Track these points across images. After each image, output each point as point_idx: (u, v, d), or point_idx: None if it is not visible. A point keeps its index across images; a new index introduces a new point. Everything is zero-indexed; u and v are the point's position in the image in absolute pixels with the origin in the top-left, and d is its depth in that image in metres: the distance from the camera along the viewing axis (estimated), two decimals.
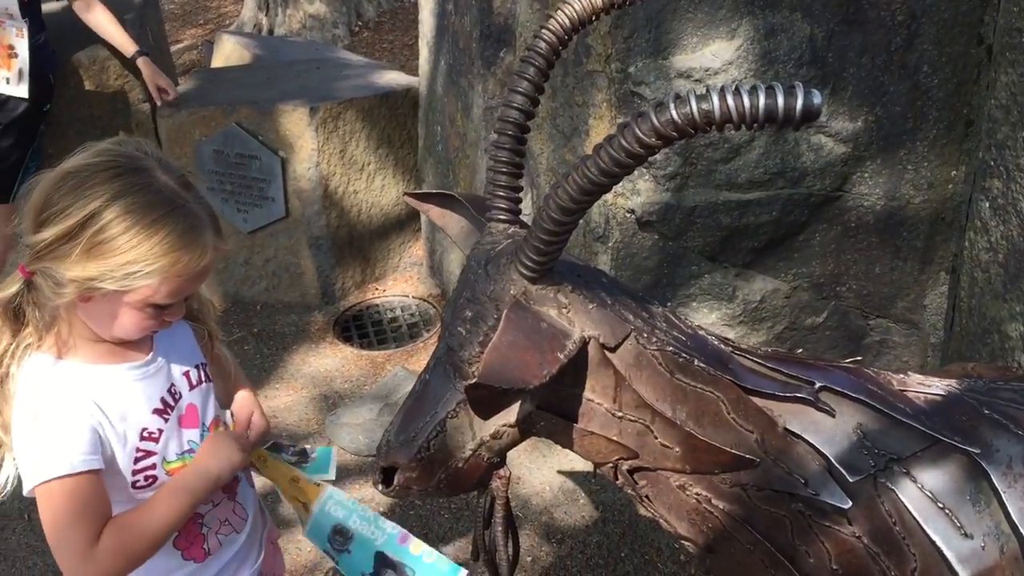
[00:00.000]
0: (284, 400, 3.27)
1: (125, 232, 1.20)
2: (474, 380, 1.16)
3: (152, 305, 1.27)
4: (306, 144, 3.60)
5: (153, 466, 1.36)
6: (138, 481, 1.35)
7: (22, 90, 3.31)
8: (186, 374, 1.44)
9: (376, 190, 3.85)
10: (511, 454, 1.42)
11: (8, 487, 1.36)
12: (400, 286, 3.97)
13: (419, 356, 3.48)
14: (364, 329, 3.72)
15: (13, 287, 1.28)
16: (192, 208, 1.27)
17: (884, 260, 2.47)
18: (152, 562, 1.35)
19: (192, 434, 1.42)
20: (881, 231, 2.43)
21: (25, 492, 1.29)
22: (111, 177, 1.22)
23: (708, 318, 2.56)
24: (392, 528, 1.50)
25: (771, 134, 2.30)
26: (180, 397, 1.41)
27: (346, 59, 4.92)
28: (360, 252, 3.90)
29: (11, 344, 1.29)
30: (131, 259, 1.21)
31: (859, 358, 1.47)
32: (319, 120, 3.58)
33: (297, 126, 3.58)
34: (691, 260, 2.50)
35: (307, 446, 1.65)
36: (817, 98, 0.96)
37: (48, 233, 1.21)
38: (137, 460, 1.34)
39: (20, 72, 3.29)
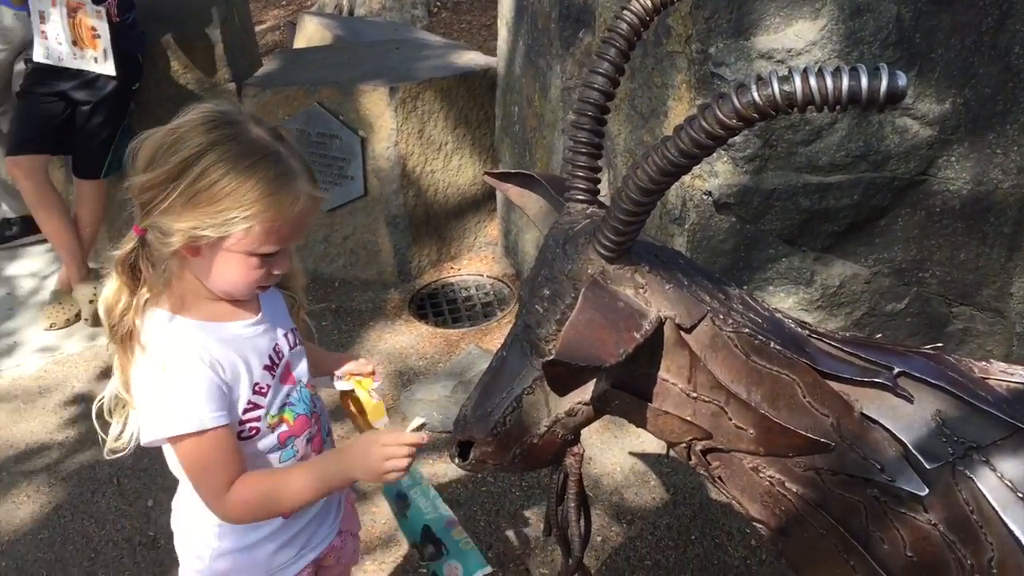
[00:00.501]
0: None
1: (220, 179, 1.28)
2: (551, 357, 1.18)
3: (256, 255, 1.34)
4: (385, 124, 3.66)
5: (258, 418, 1.44)
6: (243, 432, 1.43)
7: (109, 68, 3.44)
8: (285, 335, 1.53)
9: (453, 170, 3.89)
10: (582, 435, 1.44)
11: (131, 443, 1.45)
12: (475, 265, 4.01)
13: (493, 335, 3.52)
14: (439, 307, 3.77)
15: (129, 245, 1.37)
16: (284, 156, 1.34)
17: (970, 246, 2.41)
18: None
19: (290, 390, 1.50)
20: (967, 216, 2.37)
21: (144, 442, 1.38)
22: (207, 130, 1.31)
23: (785, 302, 2.54)
24: (445, 510, 1.66)
25: (854, 116, 2.26)
26: (282, 356, 1.50)
27: (425, 39, 4.96)
28: (436, 231, 3.95)
29: (130, 301, 1.37)
30: (227, 205, 1.28)
31: (940, 344, 1.44)
32: (398, 100, 3.62)
33: (377, 106, 3.64)
34: (769, 243, 2.47)
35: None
36: (902, 80, 0.95)
37: (149, 180, 1.30)
38: (246, 412, 1.42)
39: (105, 51, 3.41)
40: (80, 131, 3.61)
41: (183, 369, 1.34)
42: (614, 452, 2.83)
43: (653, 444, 2.80)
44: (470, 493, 2.72)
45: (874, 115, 2.24)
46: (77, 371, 3.45)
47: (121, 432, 1.45)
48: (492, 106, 3.90)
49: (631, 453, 2.82)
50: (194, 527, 1.53)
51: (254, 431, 1.44)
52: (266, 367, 1.45)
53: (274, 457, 1.48)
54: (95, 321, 3.67)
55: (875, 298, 2.53)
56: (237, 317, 1.44)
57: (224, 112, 1.36)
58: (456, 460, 1.43)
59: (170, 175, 1.28)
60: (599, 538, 2.54)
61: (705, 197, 2.42)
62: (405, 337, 3.57)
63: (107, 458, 1.48)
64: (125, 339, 1.37)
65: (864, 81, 0.95)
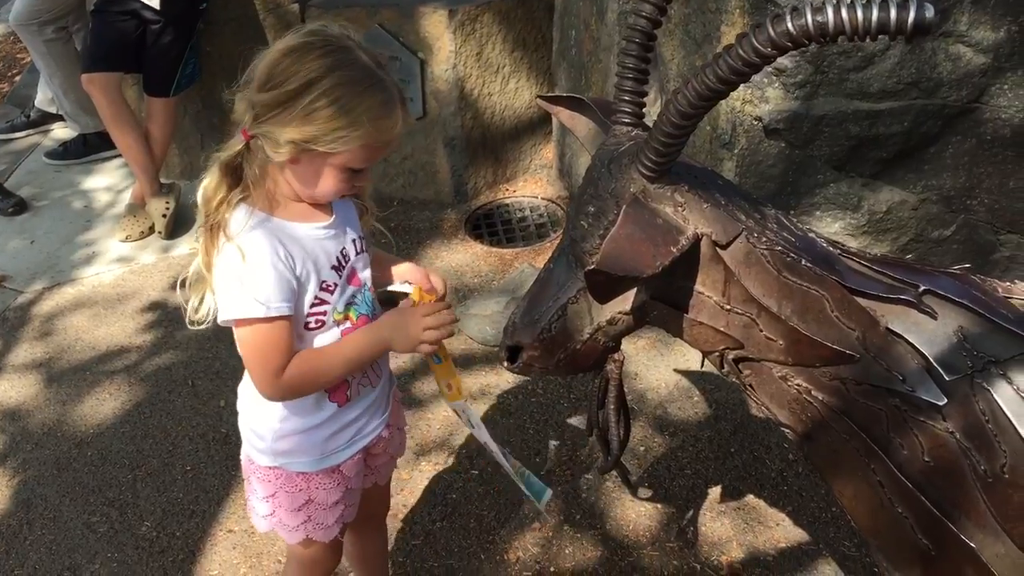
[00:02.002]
0: None
1: (337, 100, 1.41)
2: (593, 266, 1.28)
3: (348, 169, 1.48)
4: (444, 46, 3.72)
5: (324, 312, 1.58)
6: (310, 323, 1.58)
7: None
8: (353, 241, 1.65)
9: (510, 93, 3.95)
10: (630, 352, 1.55)
11: (209, 319, 1.60)
12: (530, 187, 4.09)
13: (546, 254, 3.60)
14: (494, 227, 3.87)
15: (236, 147, 1.50)
16: (388, 83, 1.47)
17: (1019, 174, 2.43)
18: (303, 400, 1.62)
19: (355, 290, 1.64)
20: (1018, 144, 2.39)
21: (220, 320, 1.53)
22: (325, 53, 1.43)
23: (832, 227, 2.59)
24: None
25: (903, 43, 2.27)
26: (349, 259, 1.63)
27: None
28: (493, 153, 4.03)
29: (226, 196, 1.50)
30: (340, 124, 1.42)
31: (967, 265, 1.50)
32: (457, 22, 3.68)
33: (436, 28, 3.70)
34: (817, 169, 2.52)
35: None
36: (929, 12, 1.01)
37: (269, 96, 1.43)
38: (313, 306, 1.56)
39: None
40: (150, 49, 3.74)
41: (259, 261, 1.48)
42: (660, 369, 2.94)
43: (697, 362, 2.89)
44: (520, 403, 2.86)
45: (926, 42, 2.26)
46: (152, 280, 3.64)
47: (199, 306, 1.60)
48: (550, 29, 3.93)
49: (676, 370, 2.92)
50: (259, 410, 1.68)
51: (320, 324, 1.58)
52: (333, 267, 1.59)
53: None
54: (168, 234, 3.85)
55: (922, 224, 2.57)
56: (313, 219, 1.57)
57: (337, 36, 1.47)
58: (505, 363, 1.55)
59: (292, 93, 1.41)
60: (642, 448, 2.66)
61: (755, 122, 2.46)
62: (461, 255, 3.68)
63: (189, 328, 1.62)
64: (214, 228, 1.51)
65: (893, 13, 1.01)
